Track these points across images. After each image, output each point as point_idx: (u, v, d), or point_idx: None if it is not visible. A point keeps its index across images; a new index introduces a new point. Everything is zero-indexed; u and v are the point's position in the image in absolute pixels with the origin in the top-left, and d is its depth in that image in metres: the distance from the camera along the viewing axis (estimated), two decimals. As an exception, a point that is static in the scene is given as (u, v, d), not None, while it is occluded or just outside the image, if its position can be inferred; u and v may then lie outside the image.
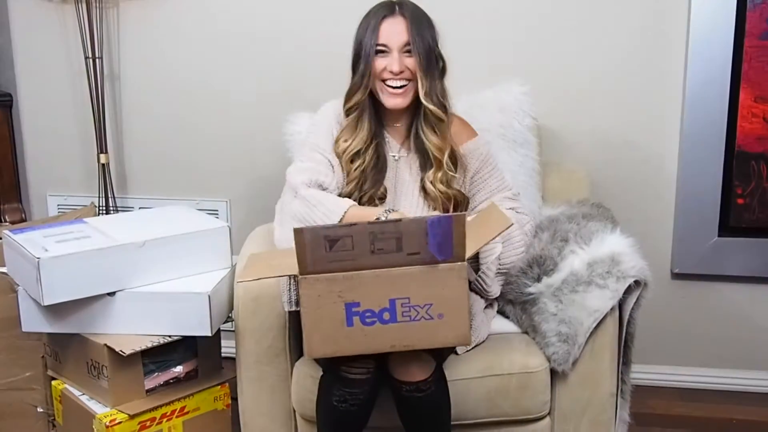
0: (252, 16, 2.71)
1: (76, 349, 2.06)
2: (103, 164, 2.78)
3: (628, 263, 1.93)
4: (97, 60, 2.72)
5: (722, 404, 2.62)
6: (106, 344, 1.97)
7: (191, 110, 2.82)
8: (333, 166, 2.02)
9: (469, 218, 1.82)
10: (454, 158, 2.04)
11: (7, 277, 2.15)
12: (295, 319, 2.00)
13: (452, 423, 1.88)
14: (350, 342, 1.67)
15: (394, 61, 1.95)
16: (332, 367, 1.79)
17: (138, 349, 1.96)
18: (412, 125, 2.06)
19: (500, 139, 2.30)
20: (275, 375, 2.03)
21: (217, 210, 2.85)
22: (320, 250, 1.61)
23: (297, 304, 1.81)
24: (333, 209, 1.91)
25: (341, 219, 1.90)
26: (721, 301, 2.67)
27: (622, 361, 2.02)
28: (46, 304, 1.93)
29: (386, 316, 1.66)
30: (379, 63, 1.96)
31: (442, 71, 2.02)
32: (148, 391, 2.04)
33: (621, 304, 1.95)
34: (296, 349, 2.04)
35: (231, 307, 2.09)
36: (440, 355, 1.86)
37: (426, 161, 2.04)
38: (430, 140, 2.01)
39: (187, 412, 2.08)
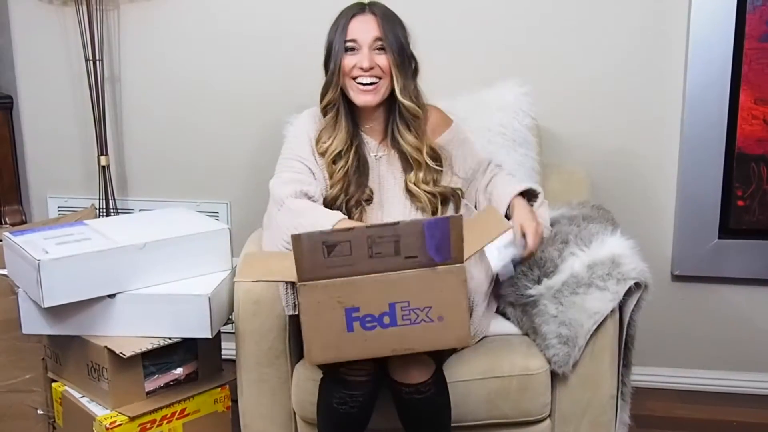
0: (252, 17, 2.71)
1: (76, 351, 2.06)
2: (104, 166, 2.78)
3: (629, 265, 1.93)
4: (97, 62, 2.72)
5: (722, 406, 2.62)
6: (106, 346, 1.97)
7: (191, 112, 2.82)
8: (314, 173, 2.01)
9: (467, 219, 1.81)
10: (436, 153, 2.04)
11: (8, 279, 2.14)
12: (295, 321, 2.00)
13: (452, 425, 1.88)
14: (351, 347, 1.67)
15: (363, 58, 1.94)
16: (332, 370, 1.79)
17: (138, 351, 1.96)
18: (388, 125, 2.05)
19: (500, 139, 2.31)
20: (275, 377, 2.03)
21: (217, 212, 2.85)
22: (318, 256, 1.60)
23: (296, 308, 1.81)
24: (321, 222, 1.87)
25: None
26: (721, 303, 2.67)
27: (622, 363, 2.02)
28: (46, 306, 1.93)
29: (386, 320, 1.65)
30: (349, 60, 1.96)
31: (415, 72, 2.02)
32: (148, 393, 2.04)
33: (621, 306, 1.95)
34: (296, 352, 2.04)
35: (231, 309, 2.08)
36: (440, 356, 1.86)
37: (407, 162, 2.03)
38: (407, 140, 2.01)
39: (188, 414, 2.08)
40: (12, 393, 2.25)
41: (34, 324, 2.05)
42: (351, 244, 1.60)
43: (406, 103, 1.98)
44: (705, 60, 2.47)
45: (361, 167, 2.03)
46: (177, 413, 2.06)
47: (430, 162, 2.01)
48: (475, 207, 2.12)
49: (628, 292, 1.93)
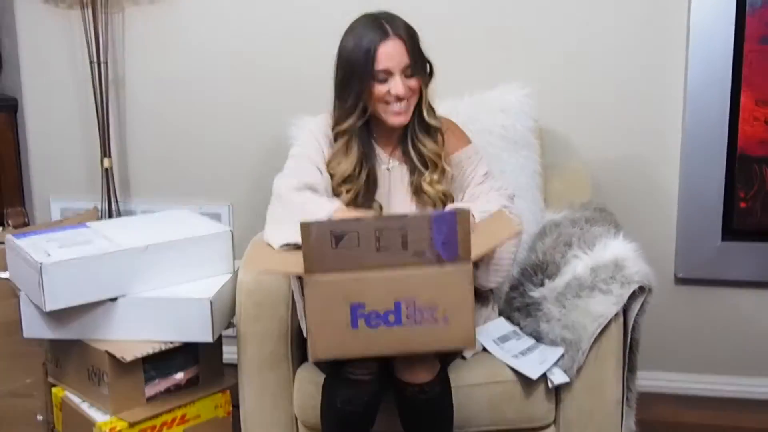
0: (256, 21, 2.71)
1: (77, 356, 2.06)
2: (107, 168, 2.78)
3: (632, 268, 1.92)
4: (101, 65, 2.73)
5: (729, 411, 2.60)
6: (107, 350, 1.96)
7: (194, 115, 2.83)
8: (321, 172, 1.98)
9: (475, 221, 1.80)
10: (451, 165, 2.03)
11: (9, 282, 2.14)
12: (297, 325, 1.99)
13: (456, 430, 1.87)
14: (355, 345, 1.66)
15: (398, 86, 1.89)
16: (336, 369, 1.78)
17: (139, 355, 1.95)
18: (404, 137, 2.02)
19: (502, 141, 2.30)
20: (277, 382, 2.02)
21: (219, 214, 2.85)
22: (326, 245, 1.59)
23: None
24: (316, 211, 1.84)
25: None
26: (725, 306, 2.65)
27: (627, 368, 2.01)
28: (48, 309, 1.92)
29: (391, 318, 1.65)
30: (381, 88, 1.90)
31: (430, 75, 1.99)
32: (148, 398, 2.03)
33: (625, 310, 1.93)
34: (298, 356, 2.03)
35: (233, 313, 2.07)
36: (445, 357, 1.86)
37: (414, 167, 2.01)
38: (428, 147, 1.99)
39: (188, 420, 2.07)
40: (12, 398, 2.25)
41: (35, 328, 2.04)
42: (359, 235, 1.59)
43: (432, 123, 1.97)
44: (705, 62, 2.46)
45: (371, 186, 2.00)
46: (177, 419, 2.05)
47: (447, 167, 2.00)
48: None
49: (632, 296, 1.91)
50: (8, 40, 2.90)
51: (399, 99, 1.91)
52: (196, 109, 2.81)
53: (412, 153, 2.01)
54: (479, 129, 2.16)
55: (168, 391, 2.06)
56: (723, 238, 2.57)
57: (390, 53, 1.89)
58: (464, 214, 1.61)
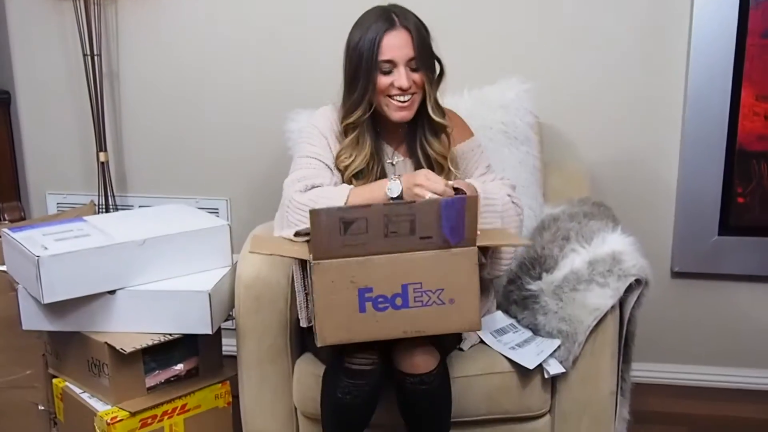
0: (252, 12, 2.70)
1: (76, 348, 2.06)
2: (103, 162, 2.77)
3: (629, 262, 1.94)
4: (95, 57, 2.71)
5: (722, 402, 2.62)
6: (106, 342, 1.97)
7: (191, 108, 2.82)
8: (331, 169, 1.98)
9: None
10: (453, 158, 2.03)
11: (7, 276, 2.14)
12: (296, 318, 2.00)
13: (453, 420, 1.88)
14: (363, 328, 1.68)
15: (402, 77, 1.89)
16: (336, 359, 1.79)
17: (139, 347, 1.95)
18: (411, 134, 2.02)
19: (501, 136, 2.31)
20: (277, 373, 2.03)
21: (217, 208, 2.85)
22: (335, 232, 1.62)
23: (310, 321, 1.79)
24: (333, 197, 1.85)
25: (346, 201, 1.86)
26: (720, 300, 2.68)
27: (622, 360, 2.02)
28: (46, 302, 1.93)
29: (398, 301, 1.67)
30: (385, 79, 1.90)
31: (440, 76, 1.99)
32: (149, 388, 2.04)
33: (621, 303, 1.95)
34: (298, 348, 2.04)
35: (232, 306, 2.08)
36: (444, 349, 1.87)
37: (420, 166, 2.00)
38: (435, 148, 1.99)
39: (188, 410, 2.08)
40: (13, 389, 2.25)
41: (34, 320, 2.04)
42: (368, 222, 1.62)
43: (437, 119, 1.96)
44: (707, 56, 2.47)
45: (377, 180, 1.99)
46: (178, 409, 2.06)
47: (453, 168, 2.00)
48: None
49: (629, 289, 1.93)
50: (0, 32, 2.88)
51: (402, 92, 1.90)
52: (193, 102, 2.81)
53: (419, 153, 2.01)
54: (479, 125, 2.17)
55: (168, 382, 2.06)
56: (720, 233, 2.58)
57: (395, 44, 1.88)
58: (472, 200, 1.64)
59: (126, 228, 2.10)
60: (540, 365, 1.92)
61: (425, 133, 2.00)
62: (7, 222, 2.71)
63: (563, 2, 2.56)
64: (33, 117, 2.94)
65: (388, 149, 2.05)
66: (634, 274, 1.92)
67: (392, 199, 1.85)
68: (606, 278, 1.92)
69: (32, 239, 2.00)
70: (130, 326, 2.01)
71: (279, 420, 2.06)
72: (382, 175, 2.00)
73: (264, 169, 2.72)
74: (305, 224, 1.81)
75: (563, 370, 1.93)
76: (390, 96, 1.92)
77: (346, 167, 1.97)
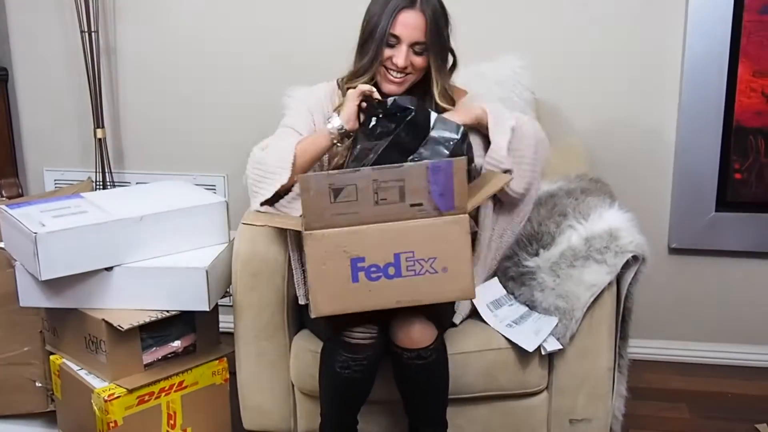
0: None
1: (74, 324, 2.07)
2: (100, 139, 2.77)
3: (626, 238, 1.93)
4: (93, 34, 2.70)
5: (718, 378, 2.63)
6: (104, 319, 1.97)
7: (188, 84, 2.81)
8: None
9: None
10: None
11: (5, 252, 2.14)
12: (294, 294, 2.00)
13: (450, 397, 1.89)
14: (357, 299, 1.69)
15: (400, 55, 1.91)
16: (335, 333, 1.79)
17: (136, 324, 1.96)
18: None
19: (498, 113, 2.29)
20: (274, 350, 2.03)
21: (214, 185, 2.84)
22: (325, 199, 1.62)
23: (308, 297, 1.80)
24: (282, 155, 1.89)
25: (293, 156, 1.89)
26: (717, 276, 2.68)
27: (619, 336, 2.03)
28: (43, 279, 1.93)
29: (391, 270, 1.68)
30: (388, 51, 1.92)
31: (452, 67, 2.01)
32: (146, 365, 2.04)
33: (618, 279, 1.95)
34: (295, 324, 2.05)
35: (229, 283, 2.08)
36: (441, 325, 1.87)
37: None
38: None
39: (186, 387, 2.09)
40: (10, 366, 2.25)
41: (31, 297, 2.05)
42: (357, 188, 1.62)
43: (444, 105, 1.98)
44: (704, 32, 2.45)
45: None
46: (175, 385, 2.07)
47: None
48: None
49: (626, 265, 1.93)
50: (-3, 10, 2.87)
51: (398, 69, 1.93)
52: (190, 79, 2.79)
53: None
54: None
55: (165, 359, 2.07)
56: (717, 209, 2.58)
57: (407, 22, 1.90)
58: (459, 163, 1.63)
59: (123, 204, 2.10)
60: None
61: None
62: (4, 198, 2.71)
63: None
64: (30, 94, 2.93)
65: None
66: (631, 250, 1.92)
67: (339, 132, 1.88)
68: (603, 254, 1.92)
69: (30, 216, 2.00)
70: (127, 303, 2.02)
71: (276, 396, 2.07)
72: None
73: (261, 146, 2.71)
74: (260, 180, 1.91)
75: (560, 347, 1.93)
76: (387, 68, 1.95)
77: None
